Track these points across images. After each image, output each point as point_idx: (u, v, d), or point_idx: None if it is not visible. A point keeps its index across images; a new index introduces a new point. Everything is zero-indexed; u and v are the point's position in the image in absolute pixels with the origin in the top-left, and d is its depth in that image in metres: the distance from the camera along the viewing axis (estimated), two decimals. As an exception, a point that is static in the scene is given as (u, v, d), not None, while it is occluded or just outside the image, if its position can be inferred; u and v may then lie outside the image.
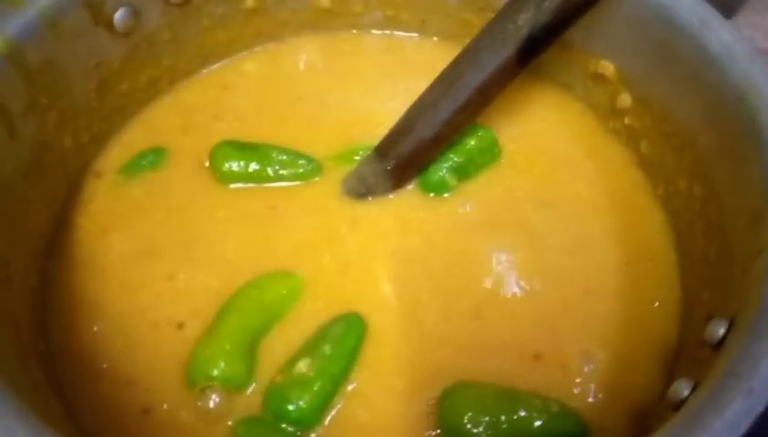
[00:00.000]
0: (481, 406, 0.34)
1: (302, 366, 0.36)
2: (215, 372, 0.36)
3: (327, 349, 0.36)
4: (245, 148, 0.45)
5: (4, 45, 0.37)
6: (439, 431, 0.35)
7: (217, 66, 0.51)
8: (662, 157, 0.43)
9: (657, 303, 0.40)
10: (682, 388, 0.30)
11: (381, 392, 0.36)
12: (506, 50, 0.41)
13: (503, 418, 0.34)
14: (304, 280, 0.40)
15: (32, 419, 0.25)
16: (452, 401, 0.35)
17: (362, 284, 0.40)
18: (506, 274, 0.41)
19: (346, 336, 0.37)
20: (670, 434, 0.26)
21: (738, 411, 0.25)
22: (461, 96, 0.42)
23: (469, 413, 0.34)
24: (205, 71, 0.51)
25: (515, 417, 0.34)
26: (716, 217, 0.38)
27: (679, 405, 0.29)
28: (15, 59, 0.38)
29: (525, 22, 0.40)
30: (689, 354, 0.35)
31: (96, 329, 0.39)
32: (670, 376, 0.37)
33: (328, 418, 0.35)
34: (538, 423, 0.34)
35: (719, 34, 0.38)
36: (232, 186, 0.44)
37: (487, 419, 0.34)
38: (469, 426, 0.34)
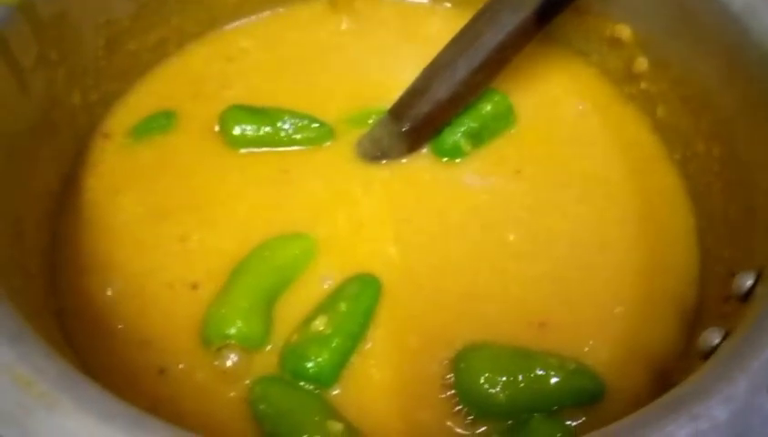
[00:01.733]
0: (497, 366, 0.34)
1: (318, 324, 0.35)
2: (232, 331, 0.35)
3: (342, 306, 0.36)
4: (256, 112, 0.44)
5: (15, -4, 0.36)
6: (454, 391, 0.34)
7: (226, 28, 0.51)
8: (679, 120, 0.43)
9: (675, 263, 0.40)
10: (713, 337, 0.30)
11: (396, 351, 0.36)
12: (525, 10, 0.40)
13: (520, 377, 0.33)
14: (317, 242, 0.40)
15: (60, 361, 0.24)
16: (467, 362, 0.35)
17: (375, 245, 0.40)
18: (519, 238, 0.41)
19: (361, 294, 0.37)
20: (708, 375, 0.26)
21: (776, 352, 0.25)
22: (479, 56, 0.41)
23: (486, 374, 0.33)
24: (214, 33, 0.50)
25: (532, 375, 0.33)
26: (736, 176, 0.38)
27: (709, 353, 0.29)
28: (26, 11, 0.37)
29: (545, -20, 0.40)
30: (713, 310, 0.35)
31: (109, 290, 0.38)
32: (690, 333, 0.37)
33: (346, 376, 0.35)
34: (555, 381, 0.33)
35: (741, -7, 0.38)
36: (243, 150, 0.44)
37: (504, 379, 0.33)
38: (486, 386, 0.33)
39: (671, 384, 0.34)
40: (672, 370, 0.36)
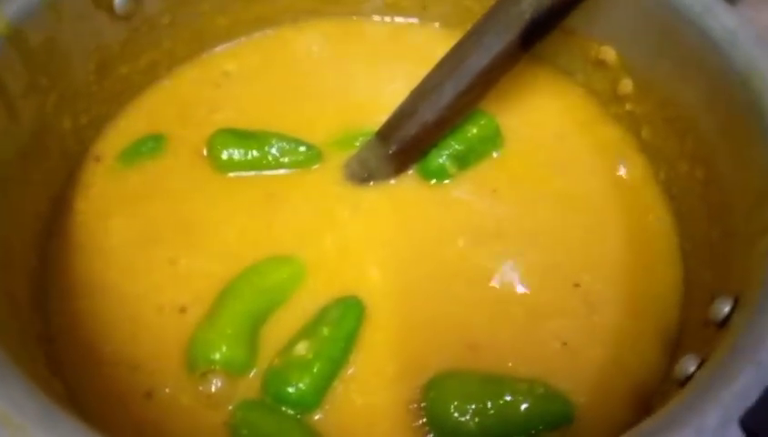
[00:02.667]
0: (466, 394, 0.34)
1: (301, 348, 0.35)
2: (216, 356, 0.35)
3: (325, 331, 0.36)
4: (243, 136, 0.45)
5: (4, 26, 0.37)
6: (425, 419, 0.34)
7: (216, 50, 0.51)
8: (664, 141, 0.44)
9: (658, 285, 0.40)
10: (689, 364, 0.30)
11: (375, 378, 0.36)
12: (510, 34, 0.41)
13: (489, 404, 0.33)
14: (305, 265, 0.40)
15: (41, 395, 0.25)
16: (437, 391, 0.35)
17: (362, 269, 0.40)
18: (503, 262, 0.41)
19: (344, 318, 0.37)
20: (680, 407, 0.26)
21: (747, 383, 0.25)
22: (465, 80, 0.42)
23: (455, 402, 0.34)
24: (204, 56, 0.51)
25: (501, 402, 0.34)
26: (719, 199, 0.38)
27: (685, 381, 0.29)
28: (15, 40, 0.37)
29: (528, 6, 0.40)
30: (693, 333, 0.35)
31: (98, 313, 0.38)
32: (672, 356, 0.37)
33: (328, 401, 0.35)
34: (524, 406, 0.34)
35: (722, 19, 0.38)
36: (231, 174, 0.44)
37: (473, 406, 0.33)
38: (456, 415, 0.33)
39: (650, 409, 0.35)
40: (651, 394, 0.36)
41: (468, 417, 0.33)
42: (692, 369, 0.29)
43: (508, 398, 0.34)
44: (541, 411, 0.34)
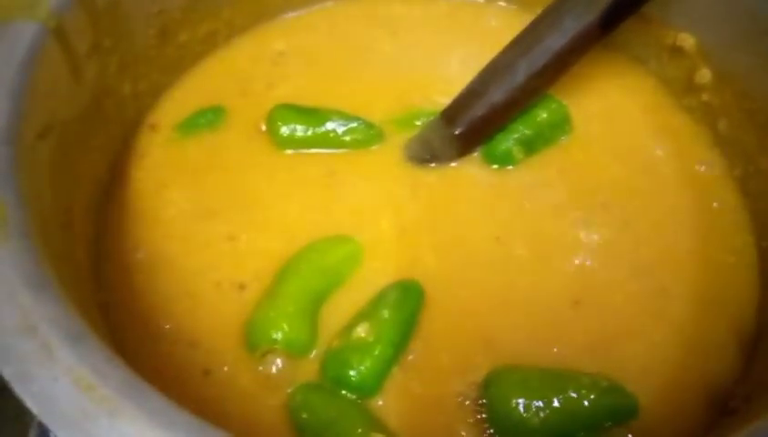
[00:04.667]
0: (529, 390, 0.33)
1: (360, 330, 0.34)
2: (278, 335, 0.34)
3: (385, 313, 0.35)
4: (303, 112, 0.43)
5: (73, -17, 0.36)
6: (484, 415, 0.33)
7: (275, 21, 0.50)
8: (742, 135, 0.42)
9: (732, 283, 0.39)
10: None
11: (433, 368, 0.35)
12: (589, 15, 0.39)
13: (554, 399, 0.32)
14: (363, 246, 0.39)
15: (122, 366, 0.24)
16: (497, 387, 0.34)
17: (418, 252, 0.39)
18: (569, 254, 0.39)
19: (404, 301, 0.36)
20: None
21: None
22: (540, 60, 0.40)
23: (519, 398, 0.32)
24: (263, 27, 0.49)
25: (565, 397, 0.32)
26: (804, 197, 0.36)
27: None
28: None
29: (613, -14, 0.38)
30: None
31: (155, 286, 0.37)
32: (750, 357, 0.36)
33: (388, 388, 0.34)
34: (589, 401, 0.32)
35: (819, 5, 0.36)
36: (290, 151, 0.43)
37: (538, 403, 0.32)
38: (519, 410, 0.32)
39: (727, 410, 0.33)
40: (727, 394, 0.34)
41: (532, 413, 0.32)
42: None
43: (572, 393, 0.32)
44: (606, 406, 0.33)
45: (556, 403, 0.32)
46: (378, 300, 0.36)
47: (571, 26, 0.40)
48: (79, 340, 0.23)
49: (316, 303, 0.36)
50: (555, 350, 0.36)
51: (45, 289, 0.25)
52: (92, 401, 0.22)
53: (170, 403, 0.23)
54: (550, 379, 0.33)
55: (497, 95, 0.41)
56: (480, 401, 0.34)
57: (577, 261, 0.39)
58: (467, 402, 0.34)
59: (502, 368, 0.34)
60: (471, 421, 0.33)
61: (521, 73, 0.40)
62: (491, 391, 0.33)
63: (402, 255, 0.39)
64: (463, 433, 0.33)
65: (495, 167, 0.43)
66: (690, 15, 0.43)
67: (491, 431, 0.33)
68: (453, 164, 0.43)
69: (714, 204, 0.42)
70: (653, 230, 0.41)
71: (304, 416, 0.33)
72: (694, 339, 0.36)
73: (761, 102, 0.40)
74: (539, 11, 0.42)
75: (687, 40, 0.44)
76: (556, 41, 0.40)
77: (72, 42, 0.36)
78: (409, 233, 0.40)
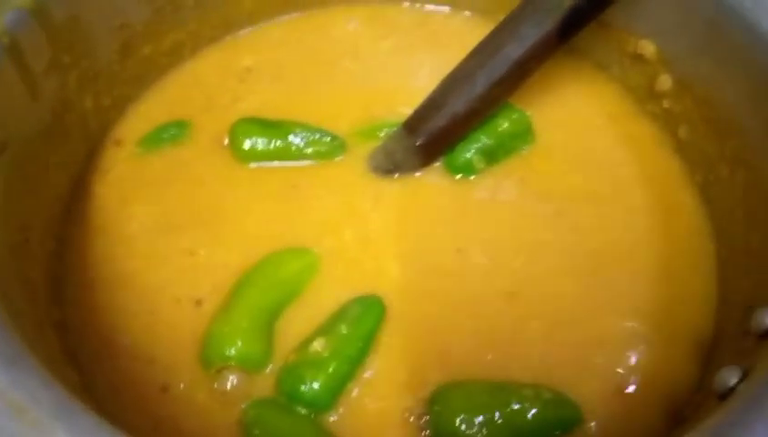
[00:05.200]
0: (472, 405, 0.33)
1: (317, 345, 0.34)
2: (231, 352, 0.34)
3: (343, 329, 0.35)
4: (266, 126, 0.43)
5: (29, 0, 0.36)
6: (429, 432, 0.33)
7: (241, 33, 0.50)
8: (703, 142, 0.42)
9: (691, 291, 0.39)
10: (729, 377, 0.28)
11: (387, 383, 0.35)
12: (548, 23, 0.39)
13: (497, 414, 0.32)
14: (321, 257, 0.39)
15: (57, 388, 0.24)
16: (441, 404, 0.33)
17: (380, 263, 0.39)
18: (530, 262, 0.39)
19: (363, 317, 0.36)
20: (724, 422, 0.25)
21: (798, 400, 0.24)
22: (499, 70, 0.40)
23: (462, 416, 0.32)
24: (229, 39, 0.50)
25: (509, 410, 0.32)
26: (760, 204, 0.36)
27: (725, 394, 0.28)
28: (39, 14, 0.37)
29: (569, -5, 0.38)
30: (730, 344, 0.34)
31: (115, 303, 0.37)
32: (706, 366, 0.36)
33: (343, 403, 0.34)
34: (532, 413, 0.32)
35: (773, 13, 0.36)
36: (253, 164, 0.43)
37: (480, 418, 0.32)
38: (463, 427, 0.32)
39: (682, 418, 0.33)
40: (683, 403, 0.34)
41: (475, 429, 0.32)
42: (733, 381, 0.28)
43: (515, 406, 0.32)
44: (549, 417, 0.33)
45: (498, 418, 0.32)
46: (337, 315, 0.36)
47: (529, 35, 0.40)
48: (13, 363, 0.24)
49: (271, 317, 0.36)
50: (508, 362, 0.36)
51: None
52: (23, 425, 0.22)
53: (102, 424, 0.23)
54: (494, 393, 0.33)
55: (457, 105, 0.41)
56: (425, 419, 0.34)
57: (535, 271, 0.39)
58: (411, 419, 0.34)
59: (448, 384, 0.34)
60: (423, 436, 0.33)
61: (481, 83, 0.41)
62: (435, 408, 0.33)
63: (364, 266, 0.39)
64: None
65: (457, 176, 0.43)
66: (650, 22, 0.44)
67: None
68: (416, 174, 0.43)
69: (675, 211, 0.42)
70: (613, 237, 0.41)
71: (256, 432, 0.33)
72: (651, 347, 0.36)
73: (720, 109, 0.40)
74: (500, 19, 0.42)
75: (648, 47, 0.44)
76: (514, 50, 0.40)
77: (27, 59, 0.36)
78: (371, 244, 0.40)
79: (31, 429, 0.22)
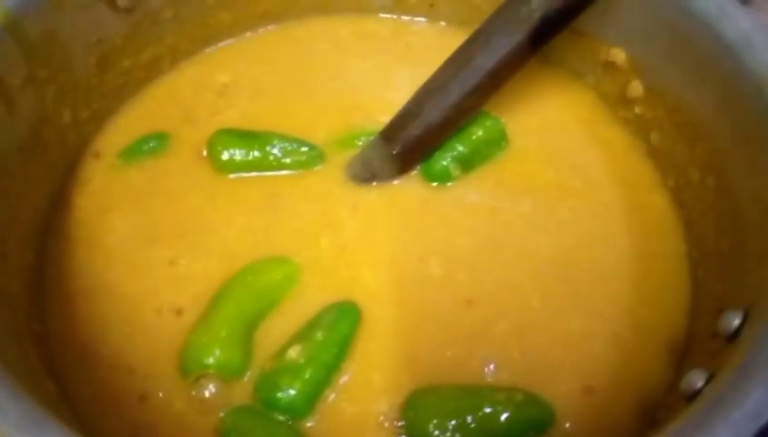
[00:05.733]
0: (445, 410, 0.33)
1: (293, 352, 0.35)
2: (210, 360, 0.34)
3: (319, 335, 0.35)
4: (244, 137, 0.44)
5: (3, 16, 0.36)
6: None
7: (219, 46, 0.50)
8: (674, 147, 0.43)
9: (664, 293, 0.39)
10: (696, 379, 0.29)
11: (364, 388, 0.35)
12: (519, 33, 0.40)
13: (469, 418, 0.32)
14: (300, 266, 0.39)
15: (26, 400, 0.24)
16: (414, 410, 0.34)
17: (357, 271, 0.39)
18: (505, 267, 0.40)
19: (339, 323, 0.36)
20: (688, 424, 0.25)
21: (759, 401, 0.24)
22: (472, 80, 0.41)
23: (434, 421, 0.33)
24: (207, 51, 0.50)
25: (481, 414, 0.33)
26: (730, 208, 0.37)
27: (693, 396, 0.28)
28: (14, 31, 0.37)
29: (539, 5, 0.39)
30: (700, 346, 0.35)
31: (95, 313, 0.38)
32: (679, 368, 0.36)
33: (320, 409, 0.34)
34: (505, 416, 0.33)
35: (736, 21, 0.37)
36: (232, 175, 0.43)
37: (453, 422, 0.32)
38: (437, 433, 0.32)
39: (655, 420, 0.34)
40: (656, 405, 0.35)
41: (449, 434, 0.32)
42: (699, 383, 0.28)
43: (487, 409, 0.33)
44: (522, 419, 0.33)
45: (471, 422, 0.32)
46: (313, 322, 0.36)
47: (501, 45, 0.41)
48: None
49: (250, 326, 0.37)
50: (479, 366, 0.36)
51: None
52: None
53: (71, 435, 0.23)
54: (466, 397, 0.34)
55: (432, 114, 0.42)
56: (399, 424, 0.34)
57: (509, 275, 0.40)
58: (386, 424, 0.34)
59: (421, 389, 0.35)
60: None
61: (455, 92, 0.41)
62: (409, 414, 0.34)
63: (341, 274, 0.39)
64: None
65: (434, 184, 0.44)
66: (620, 30, 0.44)
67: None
68: (394, 182, 0.44)
69: (647, 213, 0.43)
70: (584, 238, 0.41)
71: (232, 439, 0.33)
72: (624, 348, 0.37)
73: (689, 115, 0.41)
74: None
75: (619, 54, 0.45)
76: (487, 60, 0.41)
77: (2, 74, 0.36)
78: (348, 252, 0.40)
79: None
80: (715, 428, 0.24)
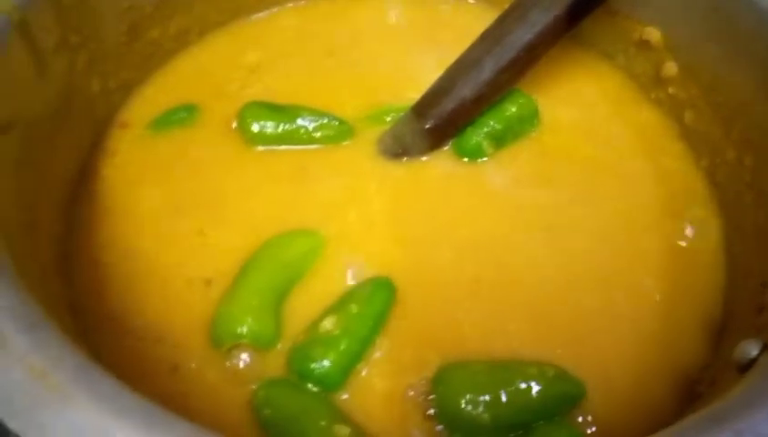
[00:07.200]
0: (476, 385, 0.32)
1: (327, 324, 0.34)
2: (243, 329, 0.34)
3: (354, 308, 0.35)
4: (274, 109, 0.43)
5: (38, -23, 0.36)
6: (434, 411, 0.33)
7: (249, 19, 0.50)
8: (709, 127, 0.42)
9: (700, 272, 0.39)
10: (750, 349, 0.28)
11: (394, 363, 0.35)
12: (556, 8, 0.40)
13: (501, 393, 0.32)
14: (326, 239, 0.39)
15: (79, 355, 0.23)
16: (445, 385, 0.33)
17: (385, 245, 0.39)
18: (536, 243, 0.39)
19: (373, 297, 0.36)
20: (749, 391, 0.25)
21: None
22: (507, 55, 0.41)
23: (467, 396, 0.32)
24: (236, 24, 0.49)
25: (513, 388, 0.32)
26: (769, 186, 0.37)
27: (747, 366, 0.28)
28: (48, -7, 0.36)
29: (578, -21, 0.39)
30: (744, 319, 0.34)
31: (124, 283, 0.37)
32: (717, 343, 0.36)
33: (353, 382, 0.34)
34: (536, 390, 0.32)
35: (781, -4, 0.37)
36: (261, 148, 0.43)
37: (486, 397, 0.32)
38: (469, 408, 0.31)
39: (696, 394, 0.33)
40: (696, 379, 0.35)
41: (481, 409, 0.31)
42: (754, 353, 0.28)
43: (521, 385, 0.32)
44: (554, 393, 0.33)
45: (503, 396, 0.32)
46: (347, 296, 0.36)
47: (538, 20, 0.40)
48: (34, 328, 0.23)
49: (279, 296, 0.36)
50: (510, 342, 0.35)
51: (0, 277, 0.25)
52: (44, 389, 0.21)
53: (123, 389, 0.23)
54: (498, 372, 0.33)
55: (465, 90, 0.41)
56: (430, 397, 0.33)
57: (544, 250, 0.39)
58: (419, 398, 0.33)
59: (451, 365, 0.34)
60: (425, 416, 0.33)
61: (488, 68, 0.41)
62: (440, 389, 0.33)
63: (367, 248, 0.39)
64: (416, 431, 0.33)
65: (466, 160, 0.43)
66: (655, 9, 0.44)
67: (442, 427, 0.33)
68: (425, 158, 0.43)
69: (681, 195, 0.42)
70: (623, 219, 0.41)
71: (267, 412, 0.33)
72: (659, 322, 0.36)
73: (725, 94, 0.40)
74: (506, 7, 0.42)
75: (653, 34, 0.44)
76: (523, 35, 0.40)
77: (37, 37, 0.36)
78: (375, 226, 0.40)
79: (52, 392, 0.21)
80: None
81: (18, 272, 0.27)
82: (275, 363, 0.34)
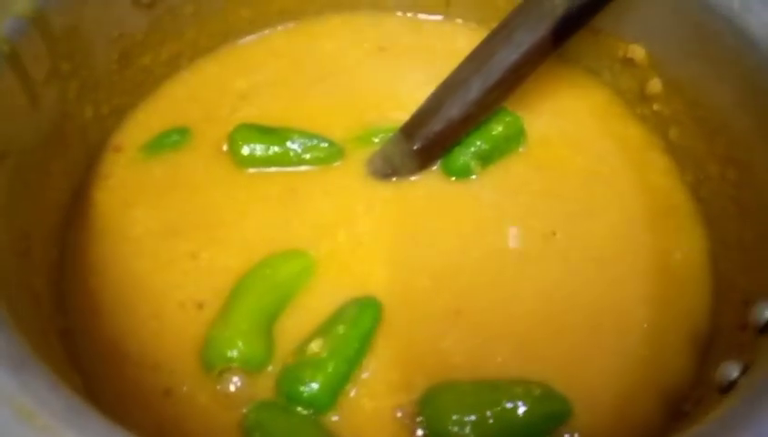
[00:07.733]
0: (464, 406, 0.33)
1: (314, 346, 0.34)
2: (233, 353, 0.34)
3: (341, 329, 0.35)
4: (264, 132, 0.44)
5: (29, 8, 0.36)
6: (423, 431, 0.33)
7: (238, 43, 0.50)
8: (693, 142, 0.43)
9: (686, 289, 0.39)
10: (730, 370, 0.29)
11: (382, 383, 0.35)
12: (541, 28, 0.40)
13: (488, 413, 0.32)
14: (316, 259, 0.39)
15: (67, 393, 0.24)
16: (432, 407, 0.34)
17: (373, 266, 0.39)
18: (523, 260, 0.40)
19: (360, 317, 0.36)
20: (732, 413, 0.25)
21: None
22: (493, 76, 0.41)
23: (454, 416, 0.32)
24: (226, 48, 0.50)
25: (500, 408, 0.33)
26: (754, 201, 0.37)
27: (727, 388, 0.28)
28: (39, 24, 0.37)
29: (562, 0, 0.39)
30: (727, 338, 0.35)
31: (118, 308, 0.37)
32: (703, 360, 0.36)
33: (343, 404, 0.34)
34: (523, 410, 0.33)
35: (760, 15, 0.37)
36: (252, 170, 0.43)
37: (472, 417, 0.32)
38: (456, 429, 0.32)
39: (682, 413, 0.34)
40: (681, 398, 0.35)
41: (468, 430, 0.32)
42: (734, 375, 0.28)
43: (507, 404, 0.33)
44: (540, 412, 0.33)
45: (490, 416, 0.32)
46: (334, 317, 0.36)
47: (524, 40, 0.41)
48: (22, 367, 0.23)
49: (270, 318, 0.37)
50: (496, 360, 0.36)
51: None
52: (32, 430, 0.22)
53: (114, 428, 0.23)
54: (485, 392, 0.33)
55: (452, 110, 0.42)
56: (419, 419, 0.34)
57: (533, 266, 0.40)
58: (407, 419, 0.34)
59: (438, 385, 0.34)
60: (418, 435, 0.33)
61: (476, 89, 0.41)
62: (428, 410, 0.33)
63: (356, 269, 0.39)
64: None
65: (454, 179, 0.44)
66: (640, 27, 0.45)
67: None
68: (414, 178, 0.44)
69: (666, 210, 0.43)
70: (608, 235, 0.41)
71: (257, 435, 0.33)
72: (646, 342, 0.37)
73: (709, 110, 0.41)
74: (494, 27, 0.43)
75: (638, 51, 0.45)
76: (509, 55, 0.41)
77: (28, 67, 0.36)
78: (363, 247, 0.40)
79: (40, 434, 0.21)
80: (762, 416, 0.24)
81: (7, 307, 0.27)
82: (265, 385, 0.35)
